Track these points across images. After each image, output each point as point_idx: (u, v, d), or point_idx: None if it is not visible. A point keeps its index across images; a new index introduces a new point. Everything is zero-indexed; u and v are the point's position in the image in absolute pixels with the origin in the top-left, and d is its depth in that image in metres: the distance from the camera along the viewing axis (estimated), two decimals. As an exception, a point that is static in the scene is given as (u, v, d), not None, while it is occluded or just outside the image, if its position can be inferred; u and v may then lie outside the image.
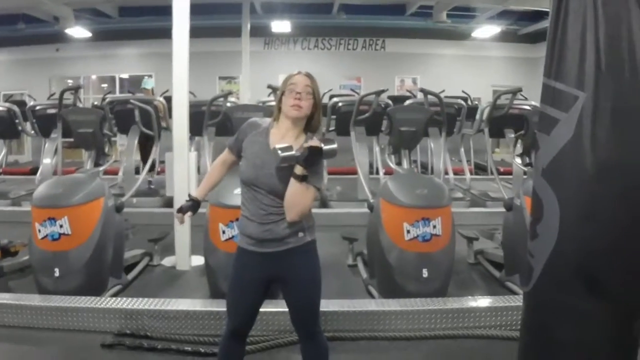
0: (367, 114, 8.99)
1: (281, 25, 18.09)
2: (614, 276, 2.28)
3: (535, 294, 2.45)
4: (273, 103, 8.73)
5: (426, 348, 4.97)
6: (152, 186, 11.01)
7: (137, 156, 10.63)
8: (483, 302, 5.54)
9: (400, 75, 20.67)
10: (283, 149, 3.19)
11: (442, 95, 8.90)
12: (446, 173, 11.14)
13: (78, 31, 17.34)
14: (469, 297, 5.75)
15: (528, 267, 2.46)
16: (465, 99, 12.49)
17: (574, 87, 2.25)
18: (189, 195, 3.84)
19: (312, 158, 3.24)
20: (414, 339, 5.07)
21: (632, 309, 2.34)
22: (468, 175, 11.50)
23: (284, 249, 3.44)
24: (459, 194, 10.81)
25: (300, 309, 3.59)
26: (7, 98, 15.33)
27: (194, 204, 3.78)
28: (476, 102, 14.82)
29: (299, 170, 3.25)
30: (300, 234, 3.46)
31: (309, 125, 3.50)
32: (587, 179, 2.24)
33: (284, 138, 3.43)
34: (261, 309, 3.69)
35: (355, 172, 9.62)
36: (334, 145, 3.25)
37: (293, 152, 3.20)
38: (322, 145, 3.22)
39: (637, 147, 2.22)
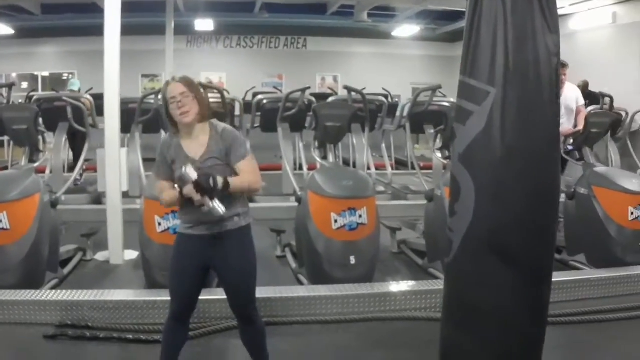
0: (293, 111, 9.23)
1: (204, 24, 18.17)
2: (520, 246, 2.61)
3: (455, 264, 2.77)
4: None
5: (356, 330, 5.24)
6: (79, 184, 11.01)
7: (65, 154, 10.62)
8: (407, 286, 5.88)
9: (321, 73, 21.00)
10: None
11: (364, 92, 9.22)
12: (368, 168, 11.49)
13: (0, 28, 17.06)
14: (394, 282, 6.07)
15: (449, 241, 2.78)
16: (385, 96, 12.84)
17: (486, 83, 2.57)
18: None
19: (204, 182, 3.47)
20: (344, 322, 5.35)
21: (539, 275, 2.68)
22: (389, 170, 11.83)
23: (219, 231, 3.67)
24: (381, 188, 11.15)
25: (236, 291, 3.83)
26: None
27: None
28: (396, 100, 15.23)
29: (220, 184, 3.50)
30: (236, 219, 3.71)
31: (204, 117, 3.72)
32: (496, 162, 2.57)
33: (196, 140, 3.70)
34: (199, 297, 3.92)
35: (279, 168, 9.85)
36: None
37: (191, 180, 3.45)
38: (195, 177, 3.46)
39: (537, 135, 2.56)
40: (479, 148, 2.60)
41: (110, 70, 6.99)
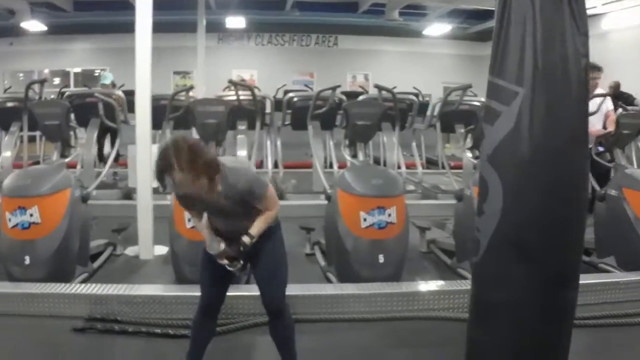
0: (323, 109, 9.25)
1: (235, 21, 18.24)
2: (547, 247, 2.59)
3: (482, 264, 2.75)
4: (232, 97, 9.00)
5: (382, 329, 5.23)
6: (118, 177, 11.14)
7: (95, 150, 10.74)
8: (435, 286, 5.87)
9: (352, 72, 21.00)
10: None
11: (394, 91, 9.20)
12: (399, 167, 11.47)
13: (33, 25, 17.25)
14: (422, 281, 6.04)
15: (476, 241, 2.77)
16: (416, 95, 12.80)
17: (514, 83, 2.56)
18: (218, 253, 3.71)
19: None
20: (371, 320, 5.34)
21: (566, 276, 2.66)
22: (420, 169, 11.75)
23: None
24: (411, 187, 11.12)
25: (267, 286, 3.86)
26: (-40, 90, 15.25)
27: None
28: (427, 99, 15.17)
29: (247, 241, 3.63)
30: None
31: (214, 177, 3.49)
32: (524, 163, 2.55)
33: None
34: (227, 293, 3.97)
35: (309, 166, 9.85)
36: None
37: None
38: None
39: (565, 136, 2.54)
40: (508, 148, 2.58)
41: (141, 67, 7.02)
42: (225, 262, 3.64)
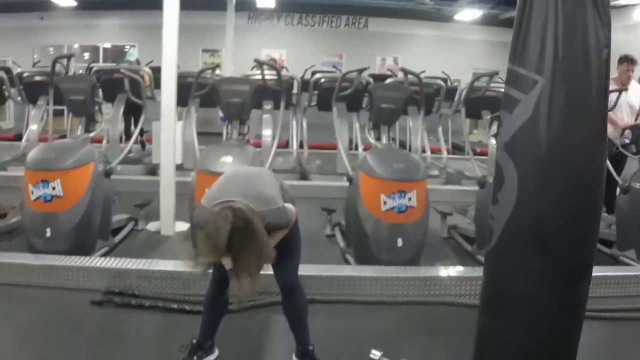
0: (348, 91, 9.23)
1: (265, 1, 18.17)
2: (560, 238, 2.56)
3: (494, 253, 2.74)
4: (258, 76, 9.00)
5: (399, 313, 5.23)
6: (145, 151, 11.22)
7: (122, 125, 10.83)
8: (454, 271, 5.84)
9: (381, 54, 20.87)
10: None
11: (422, 75, 9.15)
12: (424, 151, 11.43)
13: (63, 0, 17.34)
14: (441, 266, 6.02)
15: (489, 229, 2.75)
16: (445, 80, 12.71)
17: (534, 72, 2.53)
18: None
19: None
20: (387, 304, 5.34)
21: (578, 268, 2.63)
22: (445, 154, 11.71)
23: None
24: (436, 172, 11.08)
25: (281, 264, 3.86)
26: (-9, 64, 15.37)
27: None
28: (456, 84, 15.05)
29: None
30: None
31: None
32: (541, 152, 2.52)
33: None
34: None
35: (334, 147, 9.84)
36: None
37: None
38: None
39: (583, 127, 2.51)
40: (525, 137, 2.56)
41: (168, 44, 7.03)
42: None
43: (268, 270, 3.92)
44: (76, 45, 20.05)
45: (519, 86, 2.58)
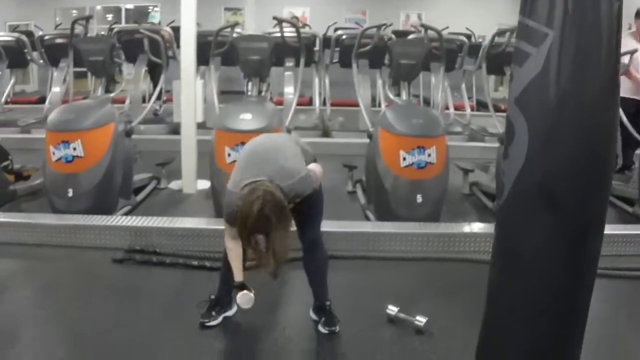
0: (368, 47, 9.17)
1: (288, -43, 18.06)
2: (570, 194, 2.54)
3: (505, 208, 2.72)
4: (278, 34, 8.98)
5: (417, 269, 5.24)
6: (159, 114, 11.26)
7: (144, 85, 10.85)
8: (473, 228, 5.83)
9: (405, 10, 20.64)
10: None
11: (445, 32, 9.05)
12: (447, 108, 11.36)
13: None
14: (460, 222, 6.01)
15: (501, 184, 2.74)
16: (468, 37, 12.57)
17: (544, 25, 2.48)
18: (236, 283, 3.86)
19: None
20: (405, 259, 5.37)
21: (589, 225, 2.62)
22: (468, 111, 11.61)
23: None
24: (458, 129, 11.03)
25: (303, 216, 3.90)
26: (14, 29, 15.43)
27: (243, 285, 3.85)
28: (480, 40, 14.87)
29: None
30: None
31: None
32: (551, 106, 2.49)
33: None
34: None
35: (357, 105, 9.82)
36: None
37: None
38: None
39: (592, 82, 2.47)
40: (535, 91, 2.52)
41: (186, 3, 7.00)
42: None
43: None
44: (98, 7, 20.05)
45: (529, 39, 2.53)
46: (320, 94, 11.59)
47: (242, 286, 3.81)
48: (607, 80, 2.50)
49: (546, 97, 2.51)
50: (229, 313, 4.19)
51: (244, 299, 3.81)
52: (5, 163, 6.71)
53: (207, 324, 4.08)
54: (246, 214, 3.36)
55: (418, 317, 4.08)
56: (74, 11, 19.52)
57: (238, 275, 3.82)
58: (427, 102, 12.21)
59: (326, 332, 4.03)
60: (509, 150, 2.66)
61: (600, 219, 2.68)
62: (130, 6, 20.09)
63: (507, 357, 2.85)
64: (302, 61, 8.78)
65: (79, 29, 9.81)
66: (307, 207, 3.82)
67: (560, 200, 2.55)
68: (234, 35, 9.02)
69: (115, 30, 10.38)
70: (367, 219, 6.28)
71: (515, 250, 2.71)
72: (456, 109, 11.93)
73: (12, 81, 11.85)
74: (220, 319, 4.13)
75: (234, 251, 3.80)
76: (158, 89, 9.15)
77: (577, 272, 2.67)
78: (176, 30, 9.08)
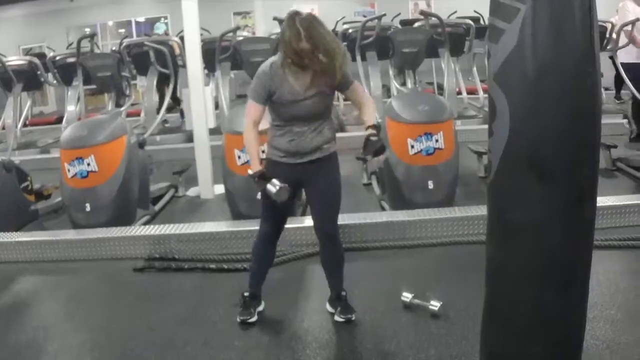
0: (370, 39, 9.20)
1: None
2: (557, 163, 2.57)
3: (494, 183, 2.76)
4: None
5: (434, 254, 5.31)
6: (167, 124, 11.38)
7: (157, 96, 10.99)
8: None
9: (413, -1, 20.57)
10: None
11: (453, 16, 9.04)
12: (459, 92, 11.37)
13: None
14: (474, 206, 6.04)
15: (489, 162, 2.78)
16: (477, 20, 12.54)
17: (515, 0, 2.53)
18: (253, 173, 3.86)
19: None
20: (421, 246, 5.42)
21: (579, 193, 2.65)
22: (481, 94, 11.63)
23: (310, 159, 3.87)
24: (472, 112, 11.04)
25: (323, 210, 4.01)
26: (27, 51, 15.65)
27: (263, 174, 3.85)
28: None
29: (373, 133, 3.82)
30: (325, 146, 3.90)
31: None
32: (529, 79, 2.52)
33: (302, 75, 3.74)
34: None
35: (372, 97, 9.81)
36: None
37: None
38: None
39: (568, 50, 2.50)
40: (512, 66, 2.56)
41: (189, 9, 7.08)
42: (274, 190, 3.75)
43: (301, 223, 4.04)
44: (110, 22, 20.21)
45: (503, 16, 2.57)
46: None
47: (262, 175, 3.81)
48: (582, 46, 2.53)
49: (524, 70, 2.55)
50: (260, 308, 4.27)
51: (279, 191, 3.76)
52: (25, 184, 6.85)
53: (249, 320, 4.15)
54: (290, 32, 3.59)
55: (432, 302, 4.13)
56: (87, 29, 19.71)
57: (256, 165, 3.84)
58: (441, 88, 12.22)
59: (342, 320, 4.10)
60: (492, 127, 2.71)
61: (591, 183, 2.71)
62: (141, 19, 20.24)
63: (512, 331, 2.89)
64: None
65: (87, 47, 9.94)
66: (322, 177, 3.94)
67: (549, 168, 2.59)
68: (238, 39, 9.10)
69: (124, 44, 10.51)
70: (383, 209, 6.34)
71: (510, 224, 2.75)
72: (470, 92, 11.93)
73: (29, 103, 12.03)
74: (256, 314, 4.20)
75: (253, 142, 3.88)
76: (166, 99, 9.25)
77: (575, 239, 2.71)
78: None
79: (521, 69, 2.55)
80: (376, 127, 3.86)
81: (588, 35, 2.54)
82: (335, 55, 3.62)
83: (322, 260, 4.21)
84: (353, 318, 4.10)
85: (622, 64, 9.45)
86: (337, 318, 4.14)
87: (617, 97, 12.05)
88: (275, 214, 4.03)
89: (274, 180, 3.75)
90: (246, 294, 4.22)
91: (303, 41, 3.55)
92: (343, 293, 4.20)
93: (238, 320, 4.13)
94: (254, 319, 4.16)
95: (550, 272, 2.74)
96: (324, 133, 3.87)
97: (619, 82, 11.40)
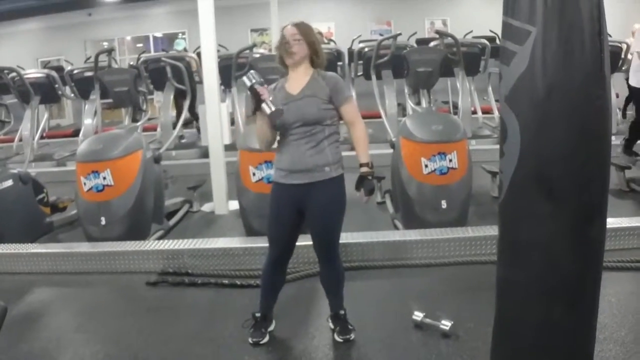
0: (386, 58, 9.24)
1: (311, -27, 18.17)
2: (566, 183, 2.60)
3: (505, 204, 2.78)
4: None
5: (446, 273, 5.31)
6: (184, 140, 11.45)
7: (173, 111, 11.07)
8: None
9: (430, 17, 20.62)
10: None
11: (469, 36, 9.07)
12: (474, 112, 11.38)
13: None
14: (486, 226, 6.04)
15: (500, 182, 2.81)
16: (492, 39, 12.58)
17: (527, 22, 2.56)
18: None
19: None
20: (433, 265, 5.42)
21: (589, 213, 2.67)
22: (496, 114, 11.60)
23: (309, 181, 3.82)
24: (487, 132, 11.04)
25: (319, 233, 3.98)
26: (45, 64, 15.81)
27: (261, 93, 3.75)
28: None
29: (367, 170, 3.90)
30: (327, 169, 3.83)
31: (314, 63, 3.89)
32: (539, 100, 2.55)
33: (298, 80, 3.85)
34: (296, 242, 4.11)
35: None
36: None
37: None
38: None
39: (577, 72, 2.53)
40: (523, 88, 2.59)
41: (205, 27, 7.17)
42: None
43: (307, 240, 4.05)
44: (128, 37, 20.37)
45: (514, 38, 2.61)
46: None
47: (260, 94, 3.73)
48: (592, 67, 2.56)
49: (534, 91, 2.58)
50: (271, 327, 4.26)
51: (273, 112, 3.69)
52: (40, 196, 6.92)
53: (261, 342, 4.13)
54: (284, 37, 3.84)
55: (443, 321, 4.13)
56: (105, 43, 19.88)
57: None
58: (456, 107, 12.24)
59: (341, 341, 4.10)
60: (503, 149, 2.74)
61: (600, 204, 2.73)
62: (158, 34, 20.38)
63: (522, 349, 2.90)
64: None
65: (104, 61, 10.04)
66: (323, 205, 3.88)
67: (558, 188, 2.62)
68: (254, 56, 9.16)
69: (141, 59, 10.62)
70: (396, 227, 6.34)
71: (520, 243, 2.77)
72: (485, 112, 11.94)
73: (46, 116, 12.14)
74: (267, 335, 4.20)
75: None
76: (183, 115, 9.31)
77: (584, 258, 2.72)
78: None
79: (531, 89, 2.59)
80: (370, 165, 3.89)
81: (598, 57, 2.57)
82: (308, 34, 3.84)
83: (320, 279, 4.22)
84: (351, 338, 4.10)
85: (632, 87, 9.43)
86: (336, 338, 4.14)
87: (624, 115, 12.05)
88: (279, 236, 4.00)
89: (269, 102, 3.69)
90: (257, 314, 4.21)
91: (281, 32, 3.86)
92: (342, 312, 4.19)
93: (250, 341, 4.12)
94: (265, 339, 4.15)
95: (559, 291, 2.75)
96: (325, 153, 3.82)
97: (627, 101, 11.45)
